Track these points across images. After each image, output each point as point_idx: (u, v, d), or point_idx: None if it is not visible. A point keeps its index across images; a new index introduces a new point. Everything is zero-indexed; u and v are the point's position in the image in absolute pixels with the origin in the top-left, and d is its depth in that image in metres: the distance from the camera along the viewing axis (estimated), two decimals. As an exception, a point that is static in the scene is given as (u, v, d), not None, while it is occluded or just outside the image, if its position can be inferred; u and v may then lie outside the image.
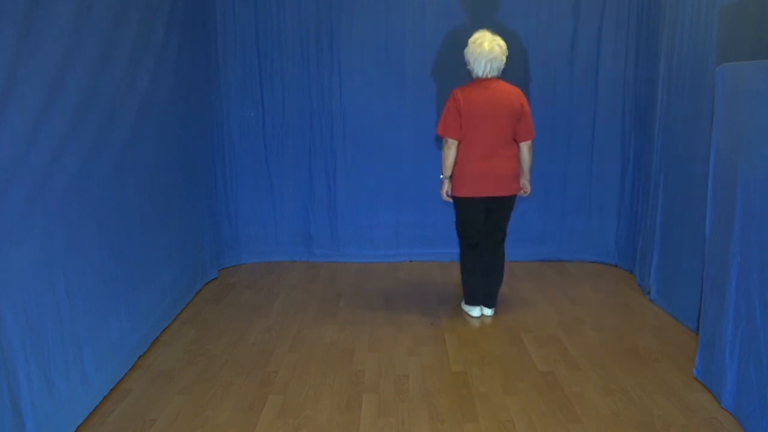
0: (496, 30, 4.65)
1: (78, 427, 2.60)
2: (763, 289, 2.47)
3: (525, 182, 3.74)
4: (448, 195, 3.67)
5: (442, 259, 4.96)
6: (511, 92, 3.53)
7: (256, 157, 4.83)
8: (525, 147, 3.62)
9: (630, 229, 4.69)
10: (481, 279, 3.81)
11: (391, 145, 4.83)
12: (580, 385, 3.00)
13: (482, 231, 3.74)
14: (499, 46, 3.50)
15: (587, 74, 4.73)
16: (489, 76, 3.52)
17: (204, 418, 2.73)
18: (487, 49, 3.46)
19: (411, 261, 5.00)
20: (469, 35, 4.69)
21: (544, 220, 4.96)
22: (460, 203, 3.66)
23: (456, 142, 3.54)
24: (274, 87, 4.74)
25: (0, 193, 2.12)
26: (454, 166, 3.60)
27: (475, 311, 3.84)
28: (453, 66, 4.73)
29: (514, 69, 4.75)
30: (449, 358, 3.30)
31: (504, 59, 3.53)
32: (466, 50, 3.57)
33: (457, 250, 4.93)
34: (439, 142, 4.82)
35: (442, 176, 3.65)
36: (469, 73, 3.61)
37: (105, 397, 2.85)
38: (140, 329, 3.26)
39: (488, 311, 3.86)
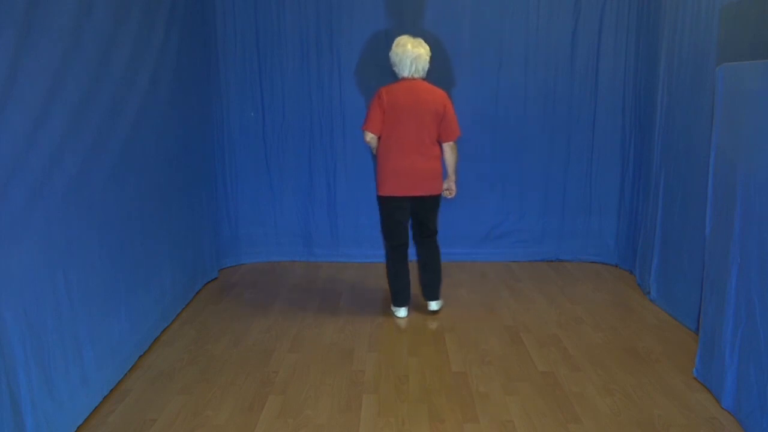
0: (497, 29, 4.70)
1: (78, 428, 2.60)
2: (762, 289, 2.47)
3: (451, 184, 3.82)
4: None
5: (442, 258, 4.94)
6: (435, 92, 3.63)
7: (256, 157, 4.83)
8: (447, 147, 3.69)
9: (630, 229, 4.69)
10: (421, 274, 3.89)
11: (391, 145, 4.83)
12: (580, 385, 3.00)
13: (411, 231, 3.83)
14: (423, 47, 3.63)
15: (587, 74, 4.73)
16: (414, 76, 3.62)
17: (204, 418, 2.73)
18: (410, 49, 3.58)
19: (411, 261, 4.98)
20: (470, 35, 4.75)
21: (544, 220, 4.96)
22: (384, 202, 3.72)
23: (376, 137, 3.64)
24: (274, 87, 4.74)
25: (0, 193, 2.12)
26: (379, 164, 3.69)
27: (401, 312, 3.86)
28: (453, 66, 4.75)
29: (514, 69, 4.76)
30: (449, 358, 3.30)
31: (428, 59, 3.65)
32: (390, 53, 3.68)
33: (455, 250, 4.98)
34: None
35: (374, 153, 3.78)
36: (395, 74, 3.70)
37: (105, 397, 2.85)
38: (140, 329, 3.26)
39: (434, 305, 3.90)
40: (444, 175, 3.79)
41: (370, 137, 3.65)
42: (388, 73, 4.76)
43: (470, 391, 2.95)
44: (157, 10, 3.47)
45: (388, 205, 3.71)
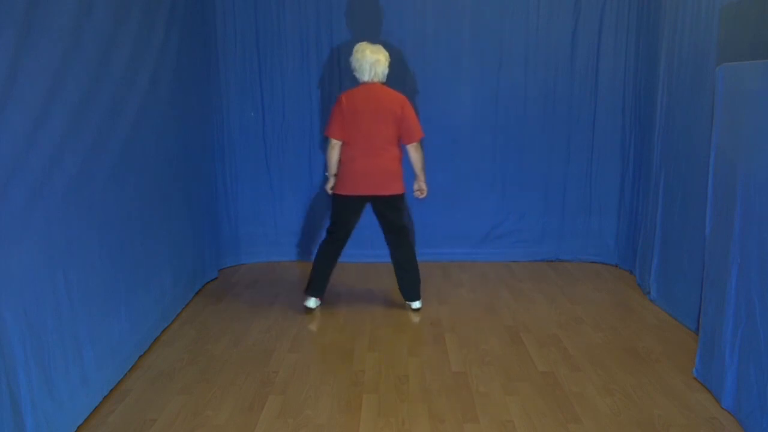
0: (497, 29, 4.70)
1: (78, 427, 2.60)
2: (762, 289, 2.47)
3: (421, 184, 3.90)
4: (331, 190, 3.87)
5: (442, 259, 4.96)
6: (392, 95, 3.73)
7: (256, 157, 4.83)
8: (411, 149, 3.78)
9: (630, 229, 4.69)
10: (398, 275, 3.94)
11: (391, 145, 4.83)
12: (580, 385, 3.00)
13: (382, 233, 3.89)
14: (382, 53, 3.74)
15: (587, 74, 4.73)
16: (374, 80, 3.73)
17: (204, 418, 2.73)
18: (369, 54, 3.71)
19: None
20: (470, 35, 4.74)
21: (544, 220, 4.96)
22: (340, 200, 3.81)
23: (339, 143, 3.74)
24: (274, 87, 4.74)
25: (0, 193, 2.12)
26: (340, 165, 3.76)
27: (310, 302, 3.94)
28: (453, 66, 4.75)
29: (514, 69, 4.76)
30: (449, 358, 3.30)
31: (387, 65, 3.76)
32: (351, 58, 3.78)
33: (455, 250, 4.99)
34: (434, 140, 4.82)
35: (327, 173, 3.85)
36: (355, 79, 3.78)
37: (105, 397, 2.85)
38: (140, 329, 3.26)
39: (416, 304, 3.96)
40: (410, 176, 3.85)
41: (333, 143, 3.73)
42: (389, 73, 4.76)
43: (470, 391, 2.95)
44: (157, 10, 3.47)
45: (343, 204, 3.81)
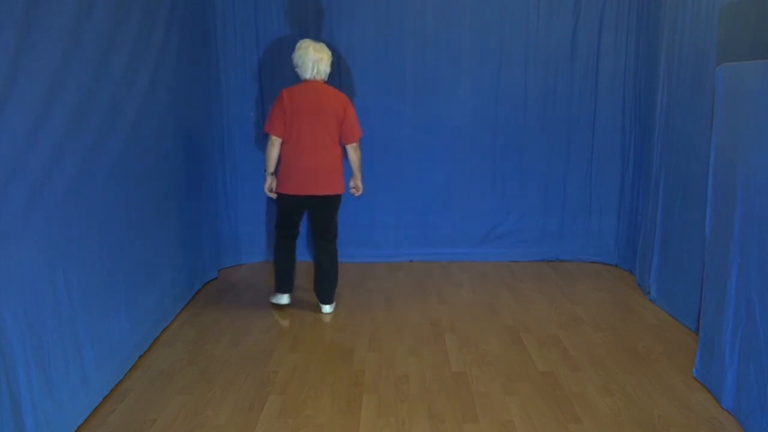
0: (497, 29, 4.69)
1: (78, 428, 2.60)
2: (762, 289, 2.47)
3: (357, 182, 3.92)
4: (271, 191, 3.84)
5: (442, 258, 4.97)
6: (335, 95, 3.74)
7: (256, 157, 4.82)
8: (350, 149, 3.80)
9: (630, 229, 4.69)
10: (316, 278, 3.93)
11: (391, 144, 4.83)
12: (580, 385, 3.00)
13: (311, 233, 3.86)
14: (325, 52, 3.75)
15: (587, 74, 4.74)
16: (316, 78, 3.72)
17: (204, 418, 2.73)
18: (312, 52, 3.70)
19: (411, 261, 5.00)
20: (470, 35, 4.74)
21: (544, 220, 4.96)
22: (282, 199, 3.81)
23: (279, 140, 3.72)
24: (274, 87, 4.74)
25: (0, 193, 2.12)
26: (281, 163, 3.75)
27: (283, 299, 3.95)
28: (453, 66, 4.75)
29: (514, 69, 4.76)
30: (449, 358, 3.30)
31: (329, 64, 3.75)
32: (293, 54, 3.77)
33: (455, 250, 4.99)
34: (434, 140, 4.83)
35: (265, 172, 3.82)
36: (297, 75, 3.78)
37: (105, 397, 2.85)
38: (140, 329, 3.26)
39: (328, 308, 3.94)
40: (348, 174, 3.88)
41: (273, 140, 3.70)
42: (389, 73, 4.78)
43: (470, 391, 2.95)
44: (157, 10, 3.47)
45: (286, 203, 3.80)
